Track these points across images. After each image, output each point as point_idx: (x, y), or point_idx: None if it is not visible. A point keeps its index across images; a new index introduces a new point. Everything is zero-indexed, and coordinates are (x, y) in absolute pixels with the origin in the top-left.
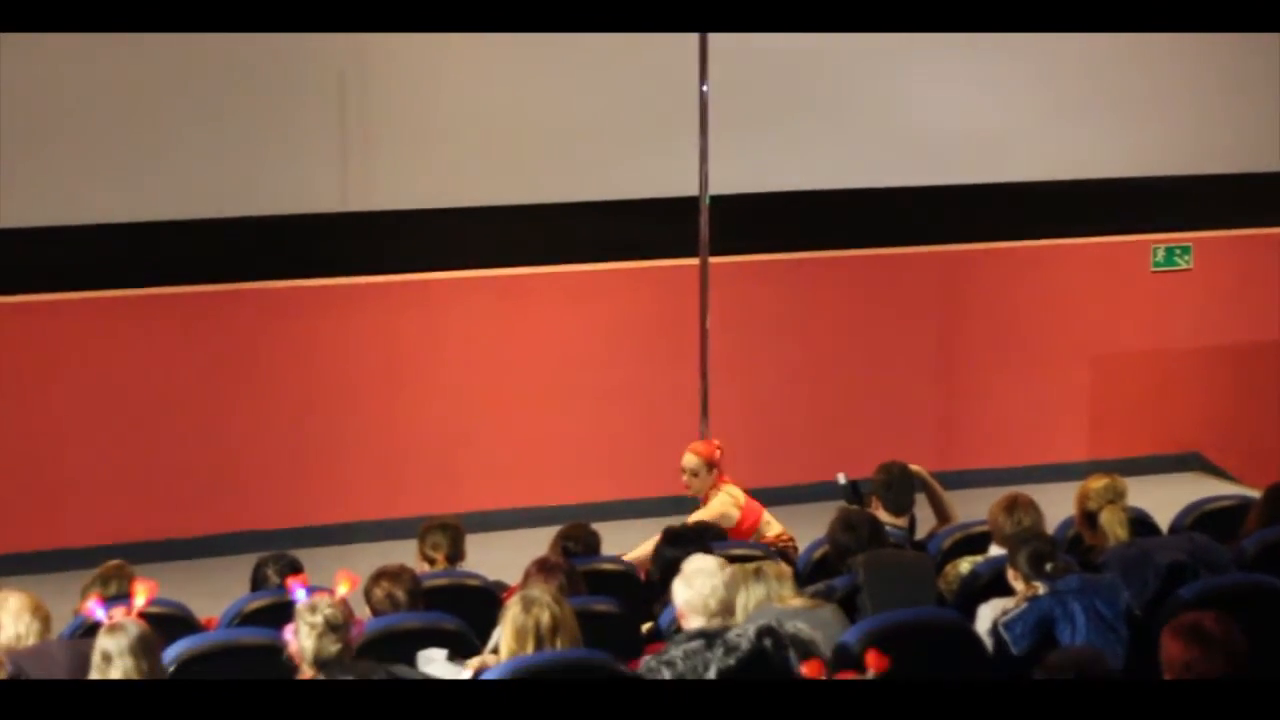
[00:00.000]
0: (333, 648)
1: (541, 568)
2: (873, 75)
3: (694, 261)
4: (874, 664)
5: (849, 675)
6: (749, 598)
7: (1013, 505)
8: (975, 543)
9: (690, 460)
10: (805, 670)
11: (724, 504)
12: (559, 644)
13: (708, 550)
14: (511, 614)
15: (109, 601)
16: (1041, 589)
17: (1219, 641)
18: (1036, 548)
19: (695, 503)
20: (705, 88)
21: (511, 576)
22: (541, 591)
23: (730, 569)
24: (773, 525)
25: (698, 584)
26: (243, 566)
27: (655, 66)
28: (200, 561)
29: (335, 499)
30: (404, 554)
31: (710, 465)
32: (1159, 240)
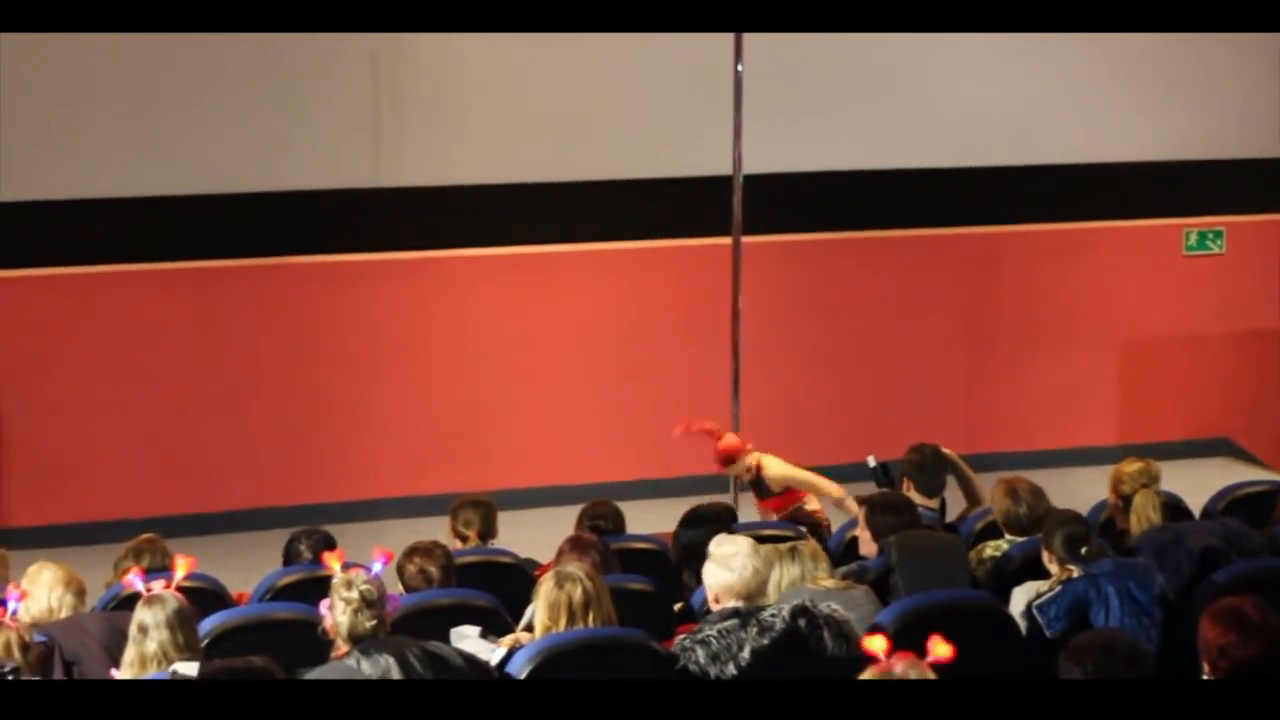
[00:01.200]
0: (368, 623)
1: (575, 545)
2: (906, 57)
3: (727, 241)
4: (936, 651)
5: (906, 655)
6: (783, 576)
7: (1013, 491)
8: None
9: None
10: (868, 646)
11: (782, 464)
12: (593, 621)
13: (729, 528)
14: (545, 590)
15: (148, 575)
16: (1076, 572)
17: (1256, 626)
18: (1072, 530)
19: (724, 481)
20: (740, 67)
21: (541, 554)
22: (576, 568)
23: (765, 549)
24: (811, 500)
25: (736, 565)
26: (271, 542)
27: (690, 44)
28: (227, 536)
29: (362, 475)
30: (430, 530)
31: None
32: (1191, 224)
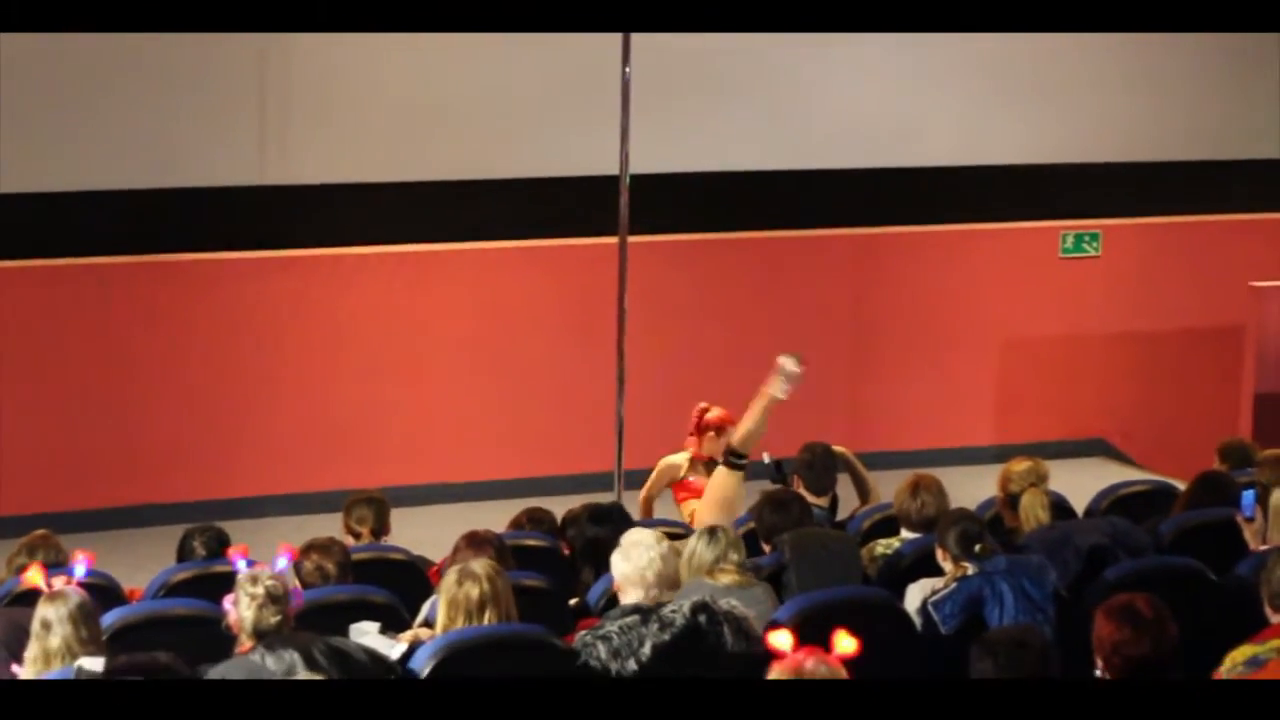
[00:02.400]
0: (273, 619)
1: (471, 541)
2: (788, 60)
3: (613, 240)
4: (841, 647)
5: (814, 651)
6: (700, 559)
7: (916, 488)
8: (895, 524)
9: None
10: (773, 642)
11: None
12: (494, 617)
13: (629, 524)
14: (447, 586)
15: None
16: (971, 569)
17: (1149, 623)
18: (966, 528)
19: (608, 479)
20: (628, 69)
21: (432, 551)
22: (478, 565)
23: (668, 542)
24: None
25: (635, 556)
26: (161, 538)
27: (577, 45)
28: (113, 533)
29: (253, 472)
30: (322, 527)
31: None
32: (1068, 227)
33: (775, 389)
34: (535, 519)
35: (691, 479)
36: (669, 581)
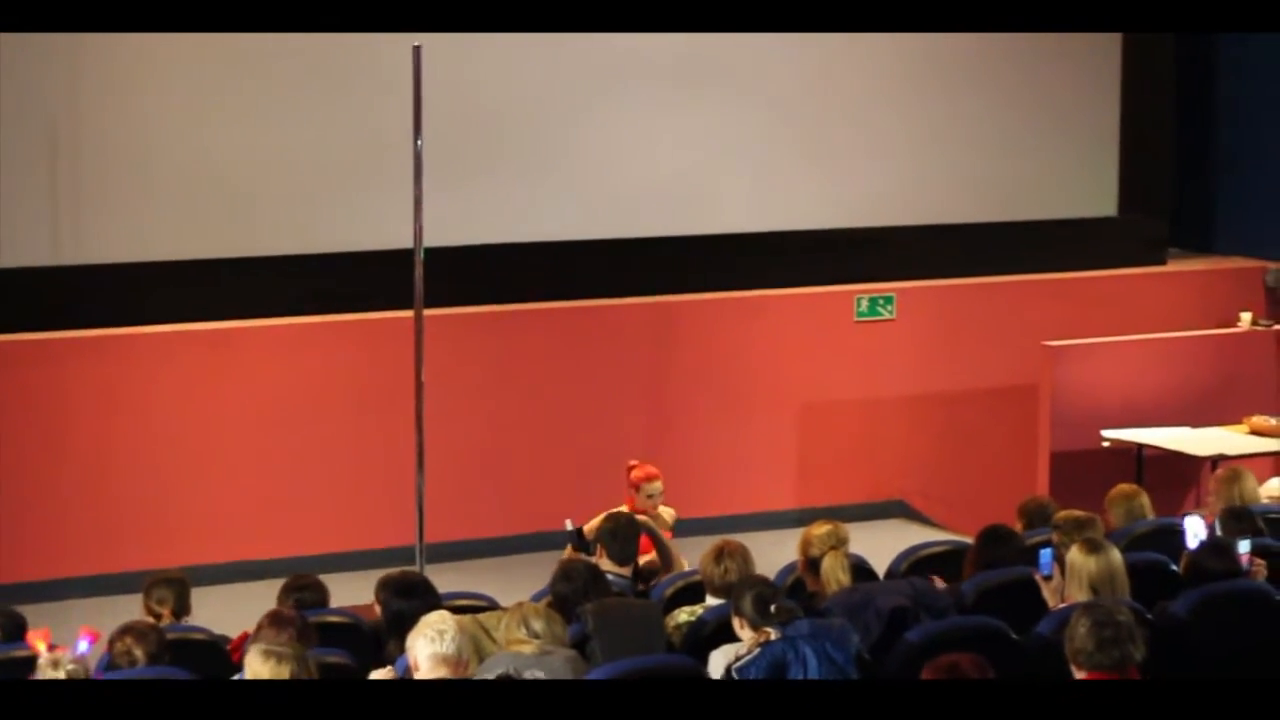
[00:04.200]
0: None
1: (274, 620)
2: (578, 128)
3: (408, 314)
4: None
5: None
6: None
7: (720, 553)
8: (697, 590)
9: (660, 485)
10: None
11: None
12: None
13: (435, 599)
14: (254, 667)
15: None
16: (773, 634)
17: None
18: (760, 591)
19: (410, 553)
20: (420, 142)
21: (232, 629)
22: (285, 645)
23: (459, 620)
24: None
25: (447, 639)
26: None
27: (369, 118)
28: None
29: (49, 554)
30: (122, 608)
31: None
32: (862, 290)
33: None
34: (300, 587)
35: None
36: (463, 661)
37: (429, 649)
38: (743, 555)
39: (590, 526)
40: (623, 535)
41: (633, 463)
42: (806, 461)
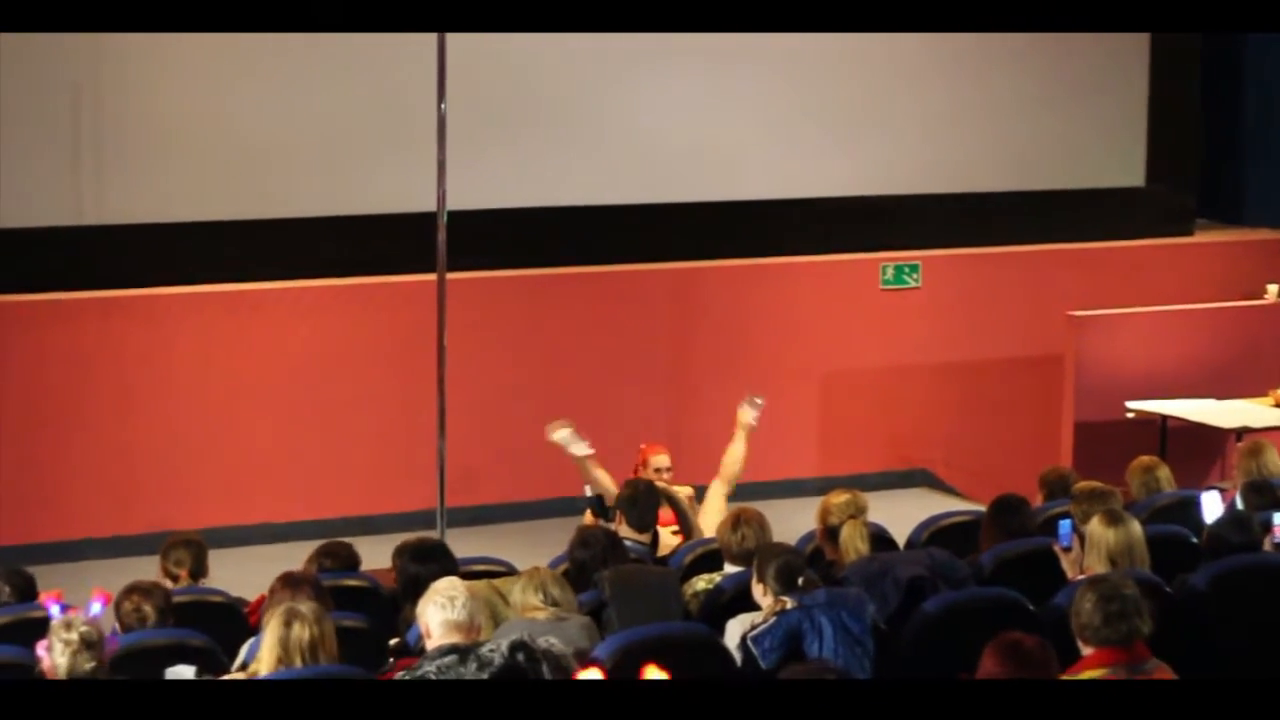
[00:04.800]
0: (87, 665)
1: (287, 582)
2: (604, 93)
3: (431, 277)
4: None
5: None
6: (519, 595)
7: (737, 521)
8: (715, 558)
9: (667, 459)
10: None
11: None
12: (320, 659)
13: (452, 564)
14: (273, 627)
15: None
16: (790, 603)
17: (1038, 663)
18: (787, 561)
19: (431, 517)
20: (443, 106)
21: (251, 592)
22: (305, 606)
23: (472, 586)
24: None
25: (457, 604)
26: None
27: (392, 81)
28: None
29: (67, 515)
30: (138, 570)
31: None
32: (888, 259)
33: (747, 416)
34: (330, 553)
35: None
36: (476, 626)
37: (440, 615)
38: (759, 522)
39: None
40: (642, 502)
41: (643, 445)
42: (830, 430)
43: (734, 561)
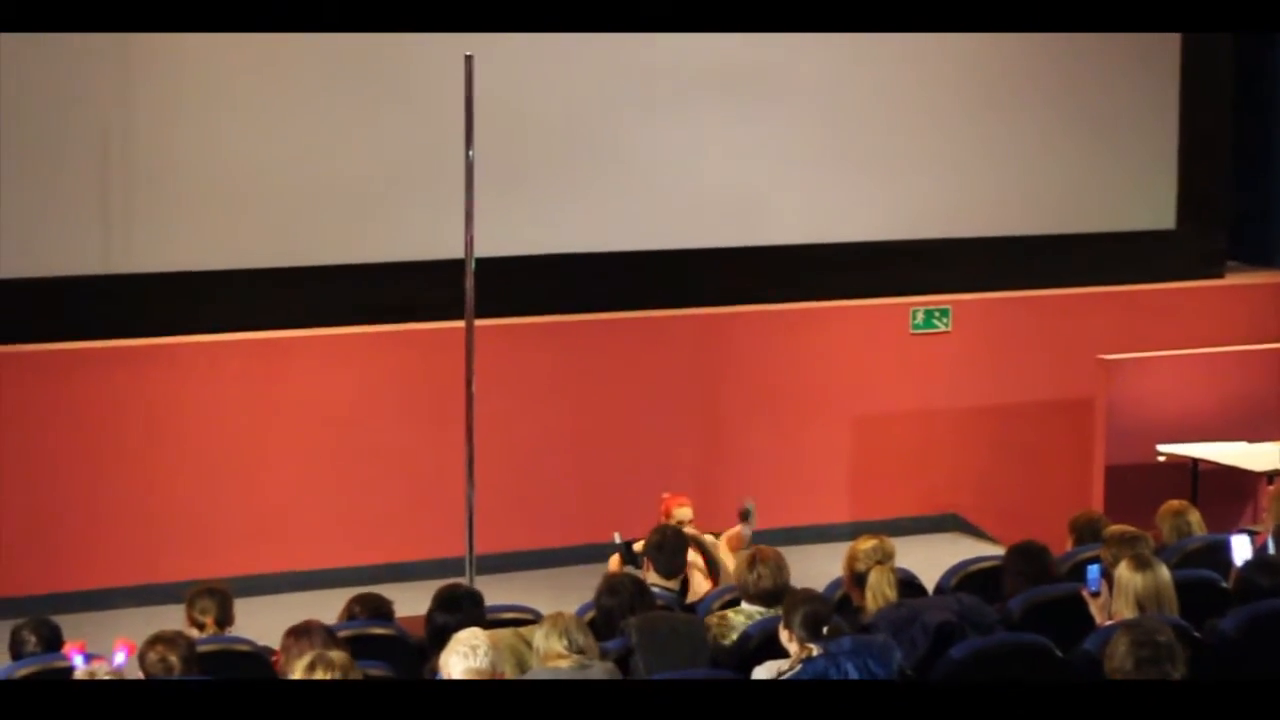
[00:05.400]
0: None
1: (294, 633)
2: (632, 139)
3: (459, 324)
4: None
5: None
6: (543, 643)
7: (753, 560)
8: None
9: (689, 512)
10: None
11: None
12: None
13: (480, 612)
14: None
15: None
16: (815, 650)
17: None
18: (814, 609)
19: (459, 565)
20: (471, 153)
21: (277, 641)
22: (333, 654)
23: (495, 635)
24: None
25: (463, 655)
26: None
27: (420, 128)
28: None
29: (93, 564)
30: (168, 619)
31: None
32: (918, 303)
33: (745, 531)
34: (366, 604)
35: None
36: (497, 676)
37: (462, 664)
38: (776, 561)
39: (641, 544)
40: (669, 547)
41: (665, 495)
42: (861, 474)
43: (751, 601)
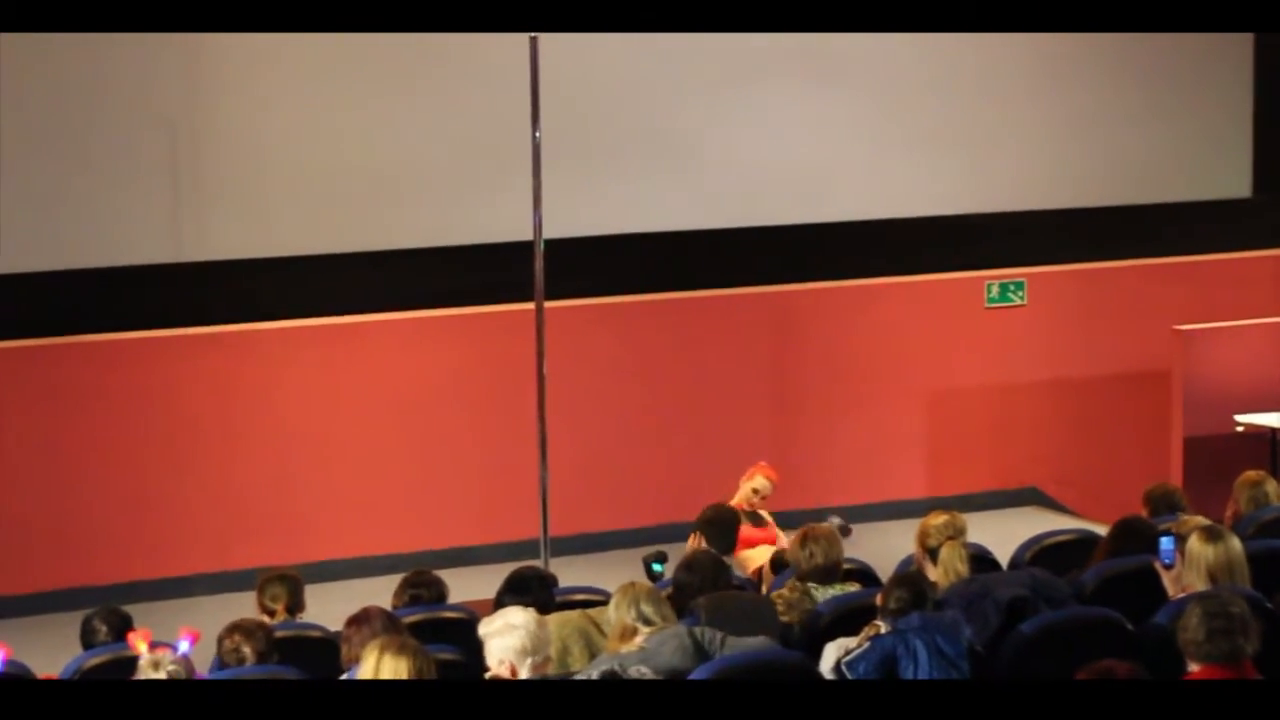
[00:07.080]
0: None
1: (354, 620)
2: (699, 119)
3: (529, 306)
4: None
5: None
6: (614, 618)
7: (805, 538)
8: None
9: (769, 485)
10: None
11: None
12: None
13: (549, 595)
14: (374, 663)
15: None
16: (884, 627)
17: None
18: (911, 591)
19: (534, 547)
20: (538, 134)
21: None
22: (407, 639)
23: (564, 617)
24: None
25: (506, 634)
26: (78, 623)
27: (488, 112)
28: (37, 618)
29: (172, 552)
30: (243, 606)
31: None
32: (992, 276)
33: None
34: (416, 584)
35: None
36: (543, 649)
37: (502, 642)
38: (828, 539)
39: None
40: (721, 524)
41: (762, 463)
42: (937, 449)
43: (804, 579)
